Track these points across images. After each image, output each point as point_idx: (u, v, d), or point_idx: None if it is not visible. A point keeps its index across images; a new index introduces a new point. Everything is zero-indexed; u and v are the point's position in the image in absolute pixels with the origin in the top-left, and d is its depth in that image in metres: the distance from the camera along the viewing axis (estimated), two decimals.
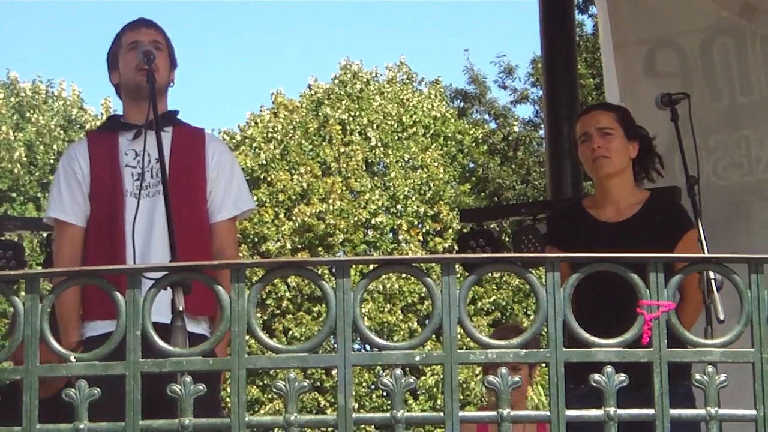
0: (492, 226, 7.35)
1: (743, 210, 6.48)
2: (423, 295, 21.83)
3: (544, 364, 2.89)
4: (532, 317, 18.83)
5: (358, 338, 2.91)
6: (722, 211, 6.02)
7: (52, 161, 23.86)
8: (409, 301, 22.32)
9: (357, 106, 24.67)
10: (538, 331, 2.92)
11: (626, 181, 4.64)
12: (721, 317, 4.11)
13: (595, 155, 4.59)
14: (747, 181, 6.56)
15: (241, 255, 19.96)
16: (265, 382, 20.98)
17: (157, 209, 4.21)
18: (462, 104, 25.28)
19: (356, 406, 20.00)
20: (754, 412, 2.86)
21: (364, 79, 25.31)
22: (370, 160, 24.16)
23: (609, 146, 4.58)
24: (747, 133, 6.59)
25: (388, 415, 2.82)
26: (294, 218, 22.90)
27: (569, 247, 4.37)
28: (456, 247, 8.78)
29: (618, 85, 6.97)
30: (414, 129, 24.60)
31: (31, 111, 25.45)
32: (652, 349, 2.85)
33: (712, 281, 4.18)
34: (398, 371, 2.82)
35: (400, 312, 22.23)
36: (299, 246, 22.84)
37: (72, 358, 2.87)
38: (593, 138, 4.60)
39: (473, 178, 24.38)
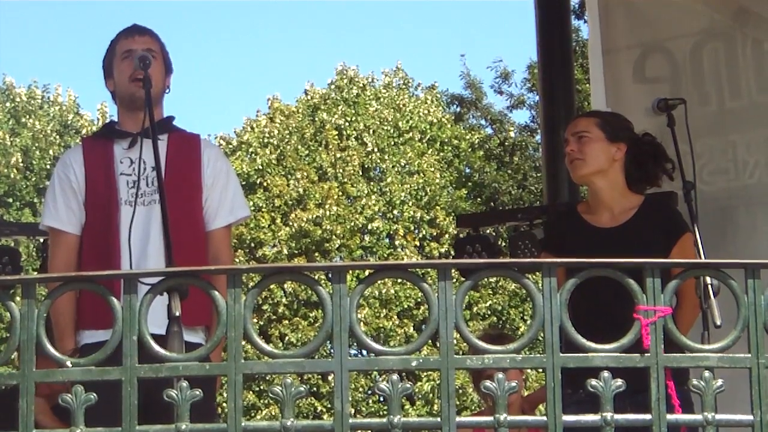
0: (488, 231, 7.34)
1: (729, 216, 6.45)
2: (419, 300, 21.83)
3: (540, 369, 2.89)
4: (528, 322, 18.79)
5: (355, 343, 2.91)
6: (708, 217, 6.00)
7: (48, 166, 23.84)
8: (405, 307, 22.32)
9: (353, 112, 24.68)
10: (535, 337, 2.92)
11: (614, 184, 4.65)
12: (718, 322, 4.10)
13: (569, 158, 4.67)
14: (733, 186, 6.53)
15: (237, 260, 19.96)
16: (262, 387, 20.96)
17: (153, 218, 4.21)
18: (458, 109, 25.26)
19: (353, 411, 19.96)
20: (750, 417, 2.86)
21: (361, 85, 25.33)
22: (366, 166, 24.16)
23: (583, 149, 4.63)
24: (734, 137, 6.56)
25: (384, 420, 2.82)
26: (290, 223, 22.89)
27: (564, 253, 4.37)
28: (452, 253, 8.79)
29: (605, 91, 6.96)
30: (410, 134, 24.61)
31: (27, 116, 25.45)
32: (648, 354, 2.85)
33: (709, 286, 4.18)
34: (395, 376, 2.82)
35: (396, 317, 22.22)
36: (296, 251, 22.83)
37: (68, 364, 2.87)
38: (569, 142, 4.67)
39: (469, 184, 24.37)
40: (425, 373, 20.43)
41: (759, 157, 6.47)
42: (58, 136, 25.23)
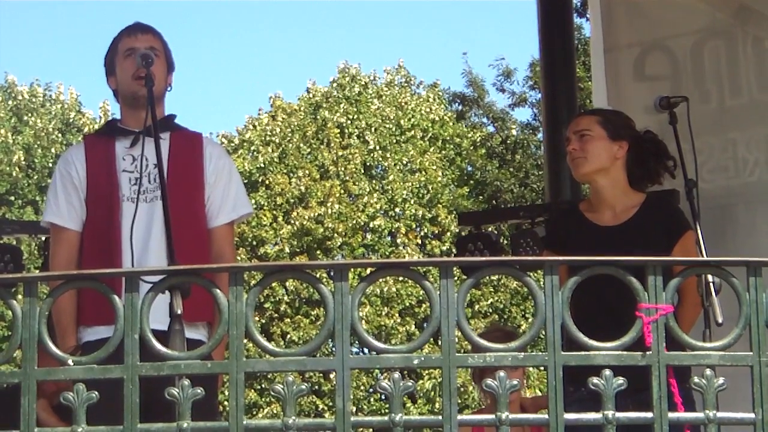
0: (490, 229, 7.34)
1: (729, 214, 6.45)
2: (421, 298, 21.82)
3: (542, 368, 2.89)
4: (530, 320, 18.78)
5: (356, 342, 2.90)
6: (708, 215, 6.02)
7: (50, 165, 23.84)
8: (407, 305, 22.32)
9: (355, 110, 24.68)
10: (536, 335, 2.91)
11: (616, 182, 4.64)
12: (720, 320, 4.10)
13: (570, 157, 4.67)
14: (733, 184, 6.53)
15: (238, 258, 19.96)
16: (263, 385, 20.96)
17: (155, 215, 4.21)
18: (460, 107, 25.27)
19: (354, 409, 19.98)
20: (752, 415, 2.85)
21: (363, 83, 25.31)
22: (368, 164, 24.16)
23: (585, 147, 4.63)
24: (734, 135, 6.57)
25: (386, 418, 2.82)
26: (292, 222, 22.89)
27: (567, 251, 4.38)
28: (454, 251, 8.78)
29: (606, 88, 6.96)
30: (412, 132, 24.60)
31: (29, 114, 25.45)
32: (650, 353, 2.85)
33: (711, 284, 4.18)
34: (396, 374, 2.82)
35: (397, 315, 22.23)
36: (297, 249, 22.84)
37: (70, 362, 2.87)
38: (571, 141, 4.67)
39: (471, 182, 24.38)
40: (427, 371, 20.42)
41: (759, 155, 6.48)
42: (60, 135, 25.22)
